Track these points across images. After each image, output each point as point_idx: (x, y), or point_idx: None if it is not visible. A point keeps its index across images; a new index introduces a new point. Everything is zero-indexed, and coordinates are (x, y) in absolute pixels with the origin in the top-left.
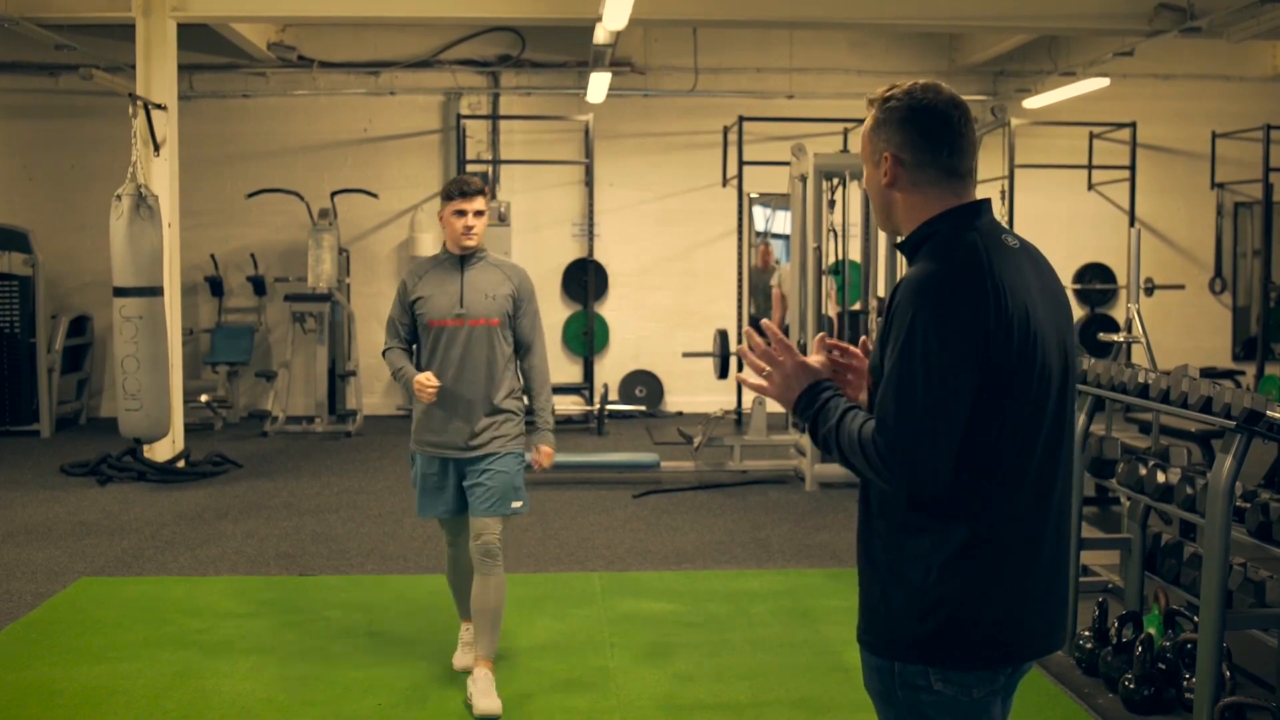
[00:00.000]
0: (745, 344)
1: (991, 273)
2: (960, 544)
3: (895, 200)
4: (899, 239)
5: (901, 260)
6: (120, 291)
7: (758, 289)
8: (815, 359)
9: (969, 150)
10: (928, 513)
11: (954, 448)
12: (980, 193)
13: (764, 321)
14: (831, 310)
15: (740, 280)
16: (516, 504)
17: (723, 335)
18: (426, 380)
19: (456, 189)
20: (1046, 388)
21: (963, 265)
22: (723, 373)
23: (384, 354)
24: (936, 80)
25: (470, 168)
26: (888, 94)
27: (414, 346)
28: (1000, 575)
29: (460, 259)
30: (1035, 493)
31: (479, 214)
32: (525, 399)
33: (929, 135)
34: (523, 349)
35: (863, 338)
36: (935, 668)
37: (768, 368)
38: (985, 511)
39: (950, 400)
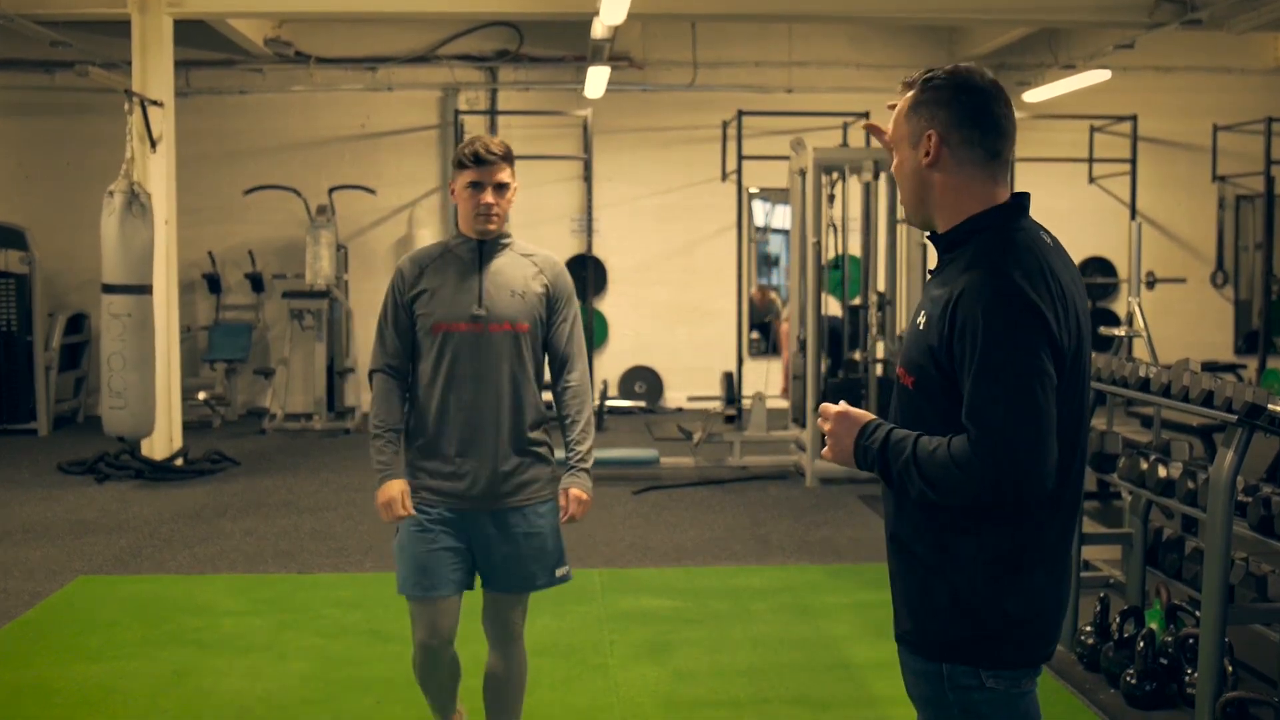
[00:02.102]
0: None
1: (1054, 278)
2: (1011, 548)
3: (933, 183)
4: (932, 232)
5: (903, 257)
6: (109, 289)
7: (754, 314)
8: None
9: (1010, 134)
10: (971, 514)
11: (1055, 445)
12: None
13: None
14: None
15: (740, 275)
16: (561, 570)
17: (728, 378)
18: (400, 498)
19: (470, 154)
20: (1086, 391)
21: (1028, 271)
22: (729, 420)
23: (370, 376)
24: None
25: None
26: (929, 74)
27: (411, 367)
28: (1049, 575)
29: (479, 245)
30: (1073, 494)
31: (501, 188)
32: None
33: (975, 114)
34: (558, 364)
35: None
36: (985, 668)
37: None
38: (1035, 514)
39: (1045, 400)
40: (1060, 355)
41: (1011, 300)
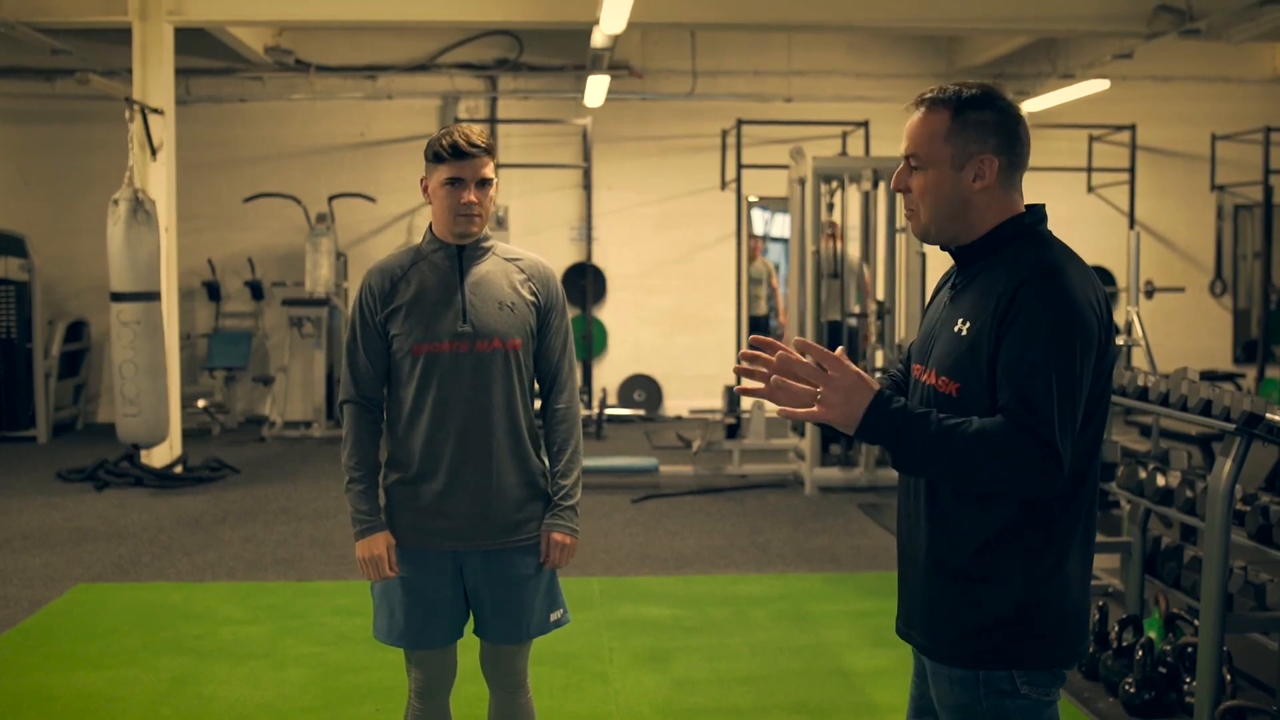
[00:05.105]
0: (780, 365)
1: (1096, 282)
2: (1058, 549)
3: (975, 202)
4: (959, 242)
5: (901, 266)
6: (118, 297)
7: (753, 281)
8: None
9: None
10: (1023, 519)
11: (1073, 445)
12: None
13: (797, 340)
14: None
15: (739, 283)
16: (556, 614)
17: (731, 393)
18: (387, 555)
19: (449, 146)
20: (1110, 391)
21: (1080, 274)
22: (730, 432)
23: (340, 408)
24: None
25: None
26: (963, 94)
27: (386, 393)
28: (1080, 571)
29: (458, 250)
30: (1096, 491)
31: (484, 184)
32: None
33: (1017, 136)
34: (547, 383)
35: (840, 347)
36: (1022, 671)
37: (818, 387)
38: (1076, 514)
39: (1081, 397)
40: (1102, 357)
41: (1070, 296)
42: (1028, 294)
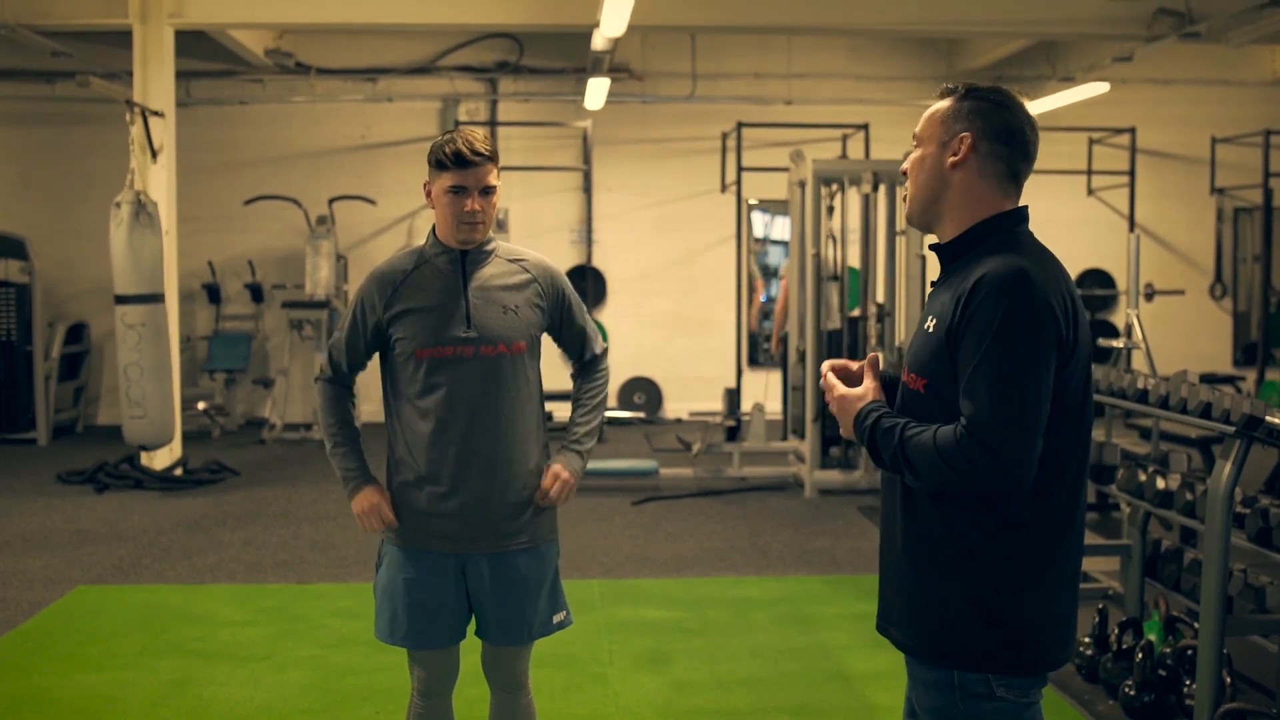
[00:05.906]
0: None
1: (1065, 281)
2: (1036, 552)
3: (952, 184)
4: (938, 240)
5: (901, 269)
6: (122, 299)
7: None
8: (866, 386)
9: (1032, 161)
10: (998, 519)
11: (1039, 443)
12: None
13: (824, 367)
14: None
15: (739, 286)
16: (559, 616)
17: (731, 394)
18: (381, 503)
19: (452, 154)
20: (1091, 395)
21: (1044, 272)
22: (730, 435)
23: (316, 383)
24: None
25: None
26: (973, 87)
27: (355, 387)
28: (1067, 580)
29: (461, 255)
30: (1080, 496)
31: (487, 192)
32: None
33: (1010, 133)
34: (585, 362)
35: (873, 353)
36: (999, 675)
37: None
38: (1057, 518)
39: (1043, 396)
40: (1066, 354)
41: (1027, 296)
42: (984, 294)
